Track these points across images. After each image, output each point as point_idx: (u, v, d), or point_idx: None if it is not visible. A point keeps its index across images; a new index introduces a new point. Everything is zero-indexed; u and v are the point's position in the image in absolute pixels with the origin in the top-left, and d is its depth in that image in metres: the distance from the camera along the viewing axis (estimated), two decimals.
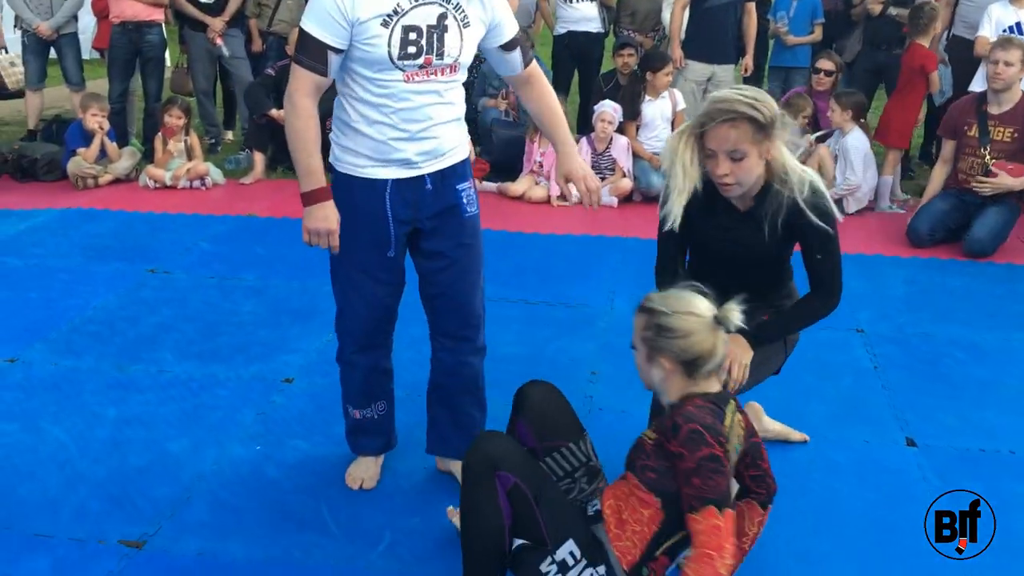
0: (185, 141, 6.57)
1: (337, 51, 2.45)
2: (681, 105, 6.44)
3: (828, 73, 6.48)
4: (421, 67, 2.48)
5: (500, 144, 6.71)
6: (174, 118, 6.53)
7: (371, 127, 2.54)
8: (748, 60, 6.86)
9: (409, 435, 3.23)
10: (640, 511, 2.28)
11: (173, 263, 4.94)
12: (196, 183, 6.41)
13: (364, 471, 3.02)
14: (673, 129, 6.17)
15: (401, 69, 2.47)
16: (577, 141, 6.37)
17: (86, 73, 7.70)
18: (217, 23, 7.16)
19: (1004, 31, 5.84)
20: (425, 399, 3.06)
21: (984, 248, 5.19)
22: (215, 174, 6.52)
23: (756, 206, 2.72)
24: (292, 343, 4.01)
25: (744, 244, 2.77)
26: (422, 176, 2.63)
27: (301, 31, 2.47)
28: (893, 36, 6.62)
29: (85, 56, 8.06)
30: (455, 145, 2.67)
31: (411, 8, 2.44)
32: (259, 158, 6.74)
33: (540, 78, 2.81)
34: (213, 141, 7.62)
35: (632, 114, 6.46)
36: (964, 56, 6.02)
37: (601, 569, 2.27)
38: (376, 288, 2.76)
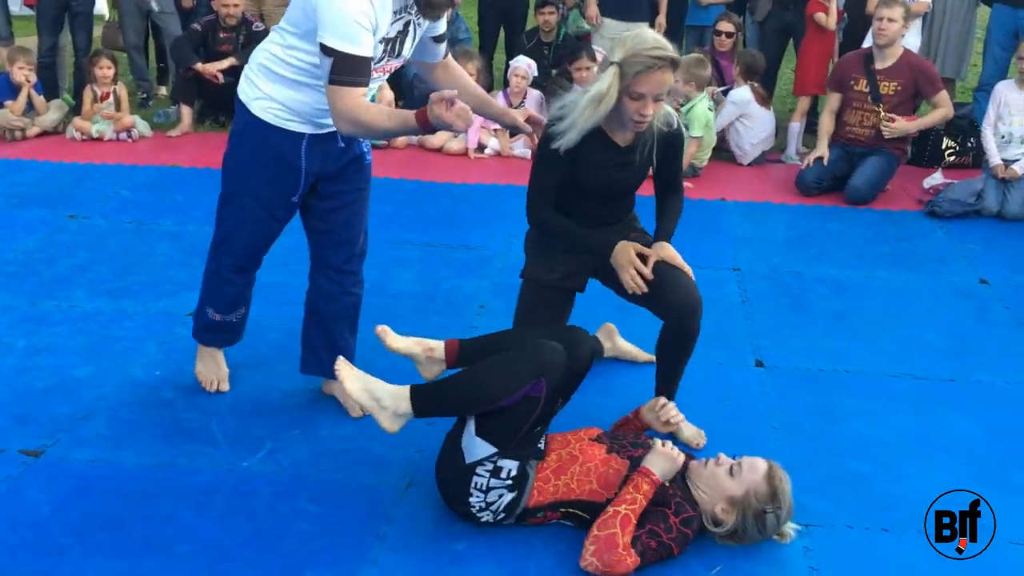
0: (114, 91, 6.72)
1: (372, 60, 2.56)
2: None
3: (728, 35, 6.78)
4: (380, 68, 2.69)
5: (421, 98, 6.80)
6: (103, 69, 6.67)
7: (308, 97, 2.71)
8: (661, 18, 7.12)
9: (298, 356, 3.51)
10: (582, 479, 2.58)
11: (93, 210, 5.14)
12: (123, 135, 6.57)
13: (215, 371, 3.31)
14: None
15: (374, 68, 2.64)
16: (494, 96, 6.63)
17: (18, 29, 7.78)
18: None
19: None
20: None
21: (863, 196, 5.54)
22: (141, 126, 6.68)
23: (636, 139, 2.92)
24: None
25: (619, 176, 2.98)
26: (334, 132, 2.80)
27: (338, 54, 2.47)
28: None
29: (16, 11, 8.12)
30: None
31: (392, 22, 2.61)
32: (186, 111, 6.90)
33: (455, 64, 3.06)
34: (144, 96, 7.75)
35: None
36: (858, 14, 6.33)
37: (514, 495, 2.57)
38: (271, 224, 3.01)
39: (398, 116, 2.55)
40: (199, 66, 6.73)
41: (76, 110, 6.88)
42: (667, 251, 3.04)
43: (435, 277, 4.48)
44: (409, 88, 6.99)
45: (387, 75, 2.85)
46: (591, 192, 3.02)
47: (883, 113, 5.58)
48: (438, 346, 2.86)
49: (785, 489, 2.56)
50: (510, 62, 6.79)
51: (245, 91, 2.83)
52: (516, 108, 6.55)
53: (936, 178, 5.83)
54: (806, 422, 3.29)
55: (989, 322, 4.12)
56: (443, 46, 2.95)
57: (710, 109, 6.07)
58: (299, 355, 3.48)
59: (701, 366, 3.64)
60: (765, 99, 6.42)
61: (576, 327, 2.89)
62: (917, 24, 6.34)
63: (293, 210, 3.01)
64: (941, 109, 5.63)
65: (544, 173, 2.97)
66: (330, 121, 2.70)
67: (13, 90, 6.57)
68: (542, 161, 2.94)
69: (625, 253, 2.95)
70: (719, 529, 2.56)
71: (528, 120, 2.99)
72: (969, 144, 6.33)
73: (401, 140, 6.61)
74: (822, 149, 5.74)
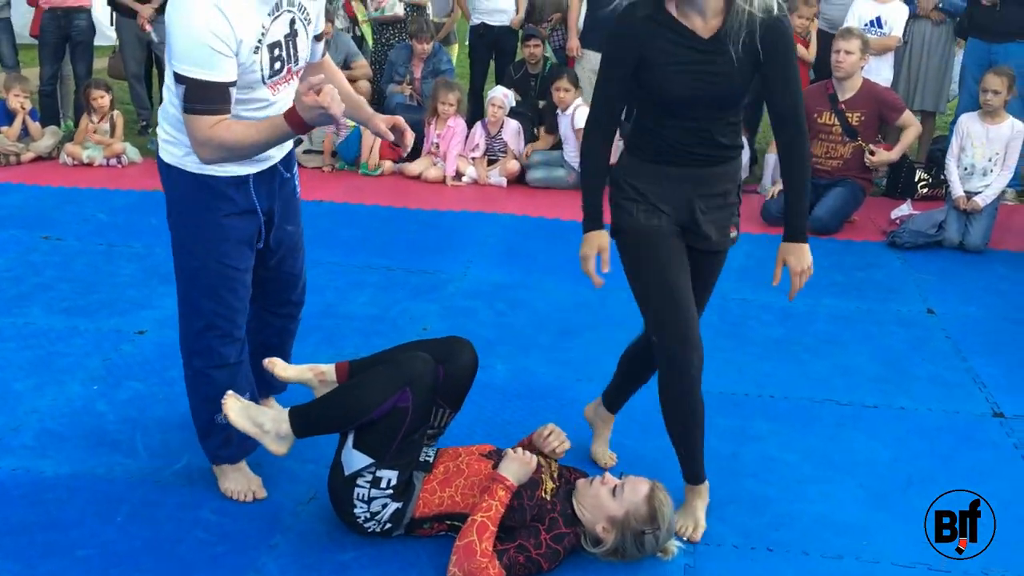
0: (111, 117, 6.94)
1: (234, 84, 2.36)
2: (581, 123, 6.54)
3: None
4: (282, 77, 2.55)
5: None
6: (98, 98, 6.90)
7: None
8: None
9: None
10: (466, 493, 2.65)
11: (68, 231, 5.31)
12: (112, 161, 6.78)
13: (246, 483, 2.91)
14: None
15: (265, 84, 2.49)
16: (471, 125, 6.77)
17: (25, 58, 8.07)
18: (146, 10, 7.52)
19: (865, 25, 6.22)
20: None
21: (826, 226, 5.59)
22: (131, 152, 6.88)
23: (723, 26, 2.44)
24: (155, 301, 4.40)
25: (709, 79, 2.46)
26: (275, 166, 2.72)
27: (189, 81, 2.31)
28: None
29: (23, 41, 8.41)
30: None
31: (271, 24, 2.43)
32: None
33: (330, 63, 2.97)
34: (144, 123, 7.98)
35: (549, 128, 6.82)
36: (825, 47, 6.38)
37: (399, 505, 2.65)
38: (245, 277, 2.76)
39: (267, 125, 2.35)
40: None
41: (70, 136, 7.10)
42: (795, 261, 2.75)
43: (387, 300, 4.59)
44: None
45: (294, 82, 2.61)
46: (668, 106, 2.52)
47: (868, 145, 5.64)
48: (329, 369, 2.92)
49: (665, 512, 2.61)
50: (488, 92, 6.93)
51: (170, 152, 2.61)
52: (495, 137, 6.72)
53: (903, 209, 5.86)
54: (720, 445, 3.33)
55: (927, 351, 4.14)
56: (321, 45, 2.76)
57: None
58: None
59: None
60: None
61: (457, 338, 2.92)
62: (889, 58, 6.40)
63: (251, 259, 2.78)
64: (911, 128, 5.70)
65: (604, 77, 2.57)
66: (273, 152, 2.61)
67: (10, 116, 6.82)
68: (604, 60, 2.57)
69: (590, 243, 2.73)
70: (599, 548, 2.62)
71: (392, 128, 2.75)
72: (942, 177, 6.34)
73: (387, 166, 6.76)
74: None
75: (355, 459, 2.64)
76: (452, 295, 4.66)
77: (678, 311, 2.65)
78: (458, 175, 6.66)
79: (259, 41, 2.41)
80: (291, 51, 2.53)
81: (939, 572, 2.63)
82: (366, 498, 2.65)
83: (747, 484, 3.09)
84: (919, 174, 6.42)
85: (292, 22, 2.52)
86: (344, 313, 4.41)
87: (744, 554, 2.73)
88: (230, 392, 2.75)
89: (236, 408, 2.72)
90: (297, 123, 2.30)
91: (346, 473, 2.66)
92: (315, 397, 2.91)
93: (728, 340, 4.20)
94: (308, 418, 2.69)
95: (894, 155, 5.75)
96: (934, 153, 6.62)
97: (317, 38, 2.72)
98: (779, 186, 5.84)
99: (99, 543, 2.68)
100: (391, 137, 2.76)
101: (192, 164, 2.56)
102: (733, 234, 2.81)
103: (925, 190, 6.38)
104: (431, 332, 4.20)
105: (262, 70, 2.45)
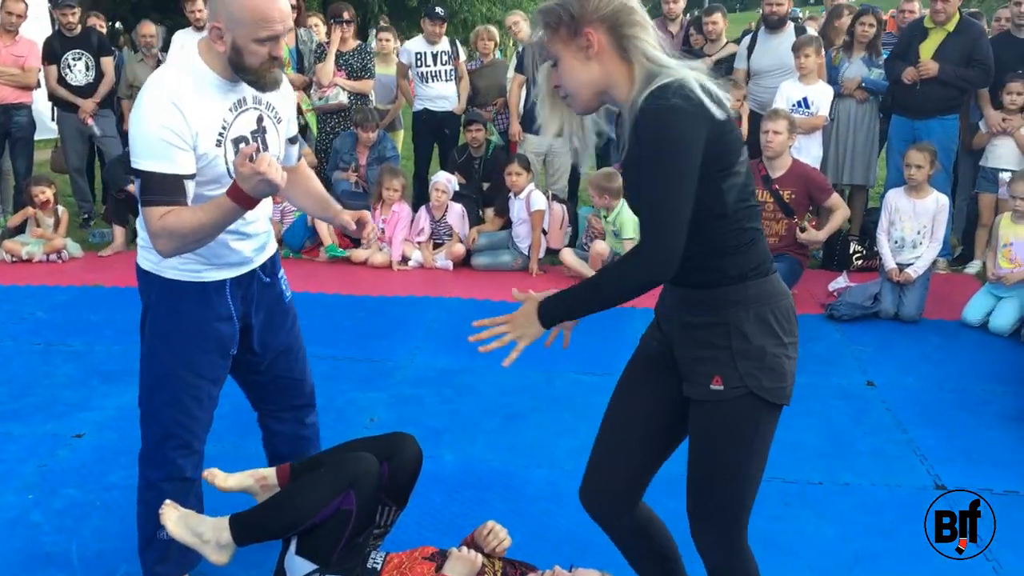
0: (55, 211, 6.89)
1: (192, 177, 2.37)
2: (536, 206, 6.58)
3: None
4: None
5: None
6: (39, 194, 6.85)
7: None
8: None
9: None
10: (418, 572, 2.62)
11: (4, 332, 5.22)
12: (52, 256, 6.70)
13: None
14: (531, 228, 6.58)
15: (220, 184, 2.43)
16: (416, 210, 6.83)
17: None
18: (88, 104, 7.55)
19: (793, 106, 6.44)
20: None
21: None
22: (72, 248, 6.82)
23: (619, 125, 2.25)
24: (95, 401, 4.32)
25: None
26: (254, 271, 2.69)
27: (144, 174, 2.32)
28: None
29: None
30: (270, 237, 2.77)
31: (234, 119, 2.46)
32: (119, 231, 7.06)
33: (305, 167, 2.96)
34: (87, 216, 7.93)
35: (498, 210, 6.92)
36: (755, 128, 6.59)
37: None
38: (212, 389, 2.73)
39: (211, 205, 2.33)
40: (131, 188, 6.91)
41: (8, 233, 7.02)
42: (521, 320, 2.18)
43: (333, 390, 4.55)
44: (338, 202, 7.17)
45: None
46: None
47: (801, 222, 5.78)
48: (270, 474, 2.88)
49: None
50: (432, 177, 7.02)
51: (146, 259, 2.61)
52: (439, 221, 6.76)
53: (840, 281, 6.00)
54: (669, 528, 3.32)
55: (868, 424, 4.21)
56: (295, 148, 2.82)
57: None
58: None
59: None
60: None
61: (400, 433, 2.89)
62: (817, 136, 6.62)
63: (229, 366, 2.76)
64: (838, 212, 5.84)
65: (680, 173, 1.95)
66: (247, 250, 2.62)
67: None
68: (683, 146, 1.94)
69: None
70: None
71: (357, 221, 2.79)
72: (876, 249, 6.52)
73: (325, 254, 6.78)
74: None
75: (298, 566, 2.60)
76: (399, 383, 4.64)
77: (598, 446, 2.41)
78: (404, 259, 6.70)
79: (220, 135, 2.44)
80: (260, 147, 2.54)
81: None
82: None
83: (696, 570, 3.07)
84: (853, 246, 6.60)
85: (260, 119, 2.55)
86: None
87: None
88: (168, 501, 2.69)
89: (174, 517, 2.67)
90: (240, 196, 2.27)
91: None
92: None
93: None
94: (249, 525, 2.64)
95: (822, 236, 5.83)
96: (867, 225, 6.82)
97: (291, 141, 2.75)
98: None
99: None
100: (354, 229, 2.78)
101: (168, 270, 2.57)
102: (716, 387, 2.16)
103: (860, 262, 6.55)
104: (379, 422, 4.17)
105: (227, 164, 2.45)
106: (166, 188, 2.33)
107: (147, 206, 2.35)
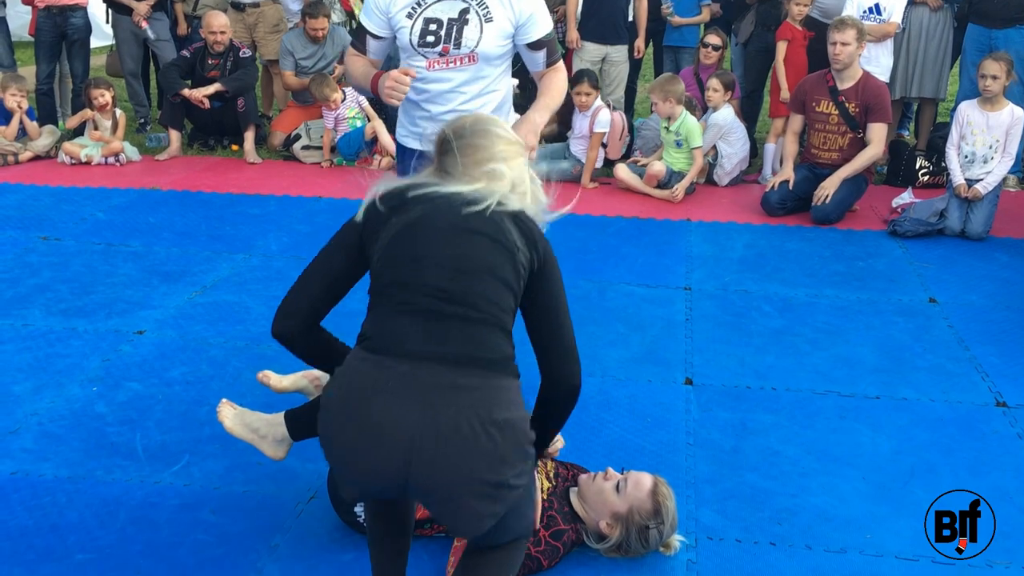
0: (114, 114, 6.93)
1: (375, 37, 2.98)
2: (600, 127, 6.40)
3: (715, 48, 6.82)
4: (440, 55, 2.86)
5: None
6: (99, 97, 6.88)
7: (408, 103, 3.02)
8: (640, 42, 7.20)
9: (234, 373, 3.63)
10: None
11: (66, 231, 5.30)
12: (111, 159, 6.76)
13: None
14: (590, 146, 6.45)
15: (423, 56, 2.88)
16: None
17: (22, 57, 8.03)
18: (142, 7, 7.48)
19: (863, 12, 6.18)
20: None
21: (828, 216, 5.56)
22: (129, 151, 6.86)
23: None
24: (155, 300, 4.39)
25: None
26: None
27: (359, 25, 3.06)
28: (782, 18, 6.96)
29: (19, 40, 8.40)
30: None
31: (433, 2, 2.85)
32: (175, 136, 7.08)
33: (557, 70, 3.04)
34: (143, 120, 7.96)
35: (561, 119, 6.79)
36: (820, 37, 6.34)
37: None
38: None
39: (365, 72, 3.02)
40: (186, 92, 6.92)
41: (68, 135, 7.08)
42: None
43: None
44: (392, 113, 7.10)
45: (459, 70, 2.90)
46: None
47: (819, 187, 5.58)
48: (323, 374, 2.91)
49: (669, 505, 2.60)
50: None
51: (397, 132, 3.26)
52: None
53: (904, 197, 5.84)
54: (721, 439, 3.32)
55: (929, 340, 4.12)
56: (540, 55, 2.98)
57: None
58: (236, 371, 3.63)
59: (631, 384, 3.70)
60: (741, 115, 6.50)
61: None
62: (888, 44, 6.35)
63: None
64: (870, 148, 5.57)
65: None
66: (431, 131, 2.84)
67: (7, 116, 6.80)
68: None
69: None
70: (603, 544, 2.60)
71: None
72: (943, 164, 6.31)
73: (385, 162, 6.74)
74: (787, 171, 5.77)
75: None
76: None
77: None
78: None
79: (413, 10, 2.88)
80: (452, 34, 2.85)
81: (943, 565, 2.61)
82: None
83: (749, 478, 3.08)
84: (920, 161, 6.39)
85: (464, 11, 2.86)
86: (345, 310, 4.33)
87: (747, 548, 2.71)
88: (224, 400, 2.75)
89: (231, 415, 2.71)
90: (372, 86, 2.91)
91: None
92: None
93: (729, 332, 4.18)
94: (303, 420, 2.67)
95: (838, 180, 5.54)
96: (935, 140, 6.59)
97: (532, 47, 2.98)
98: (780, 176, 5.81)
99: (98, 547, 2.67)
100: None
101: (398, 137, 3.21)
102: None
103: (926, 177, 6.35)
104: None
105: (411, 35, 2.89)
106: (358, 36, 3.08)
107: (352, 46, 3.12)
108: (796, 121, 5.85)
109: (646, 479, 2.63)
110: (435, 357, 1.95)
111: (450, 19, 2.82)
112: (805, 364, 3.88)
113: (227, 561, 2.62)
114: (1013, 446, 3.27)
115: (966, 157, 5.50)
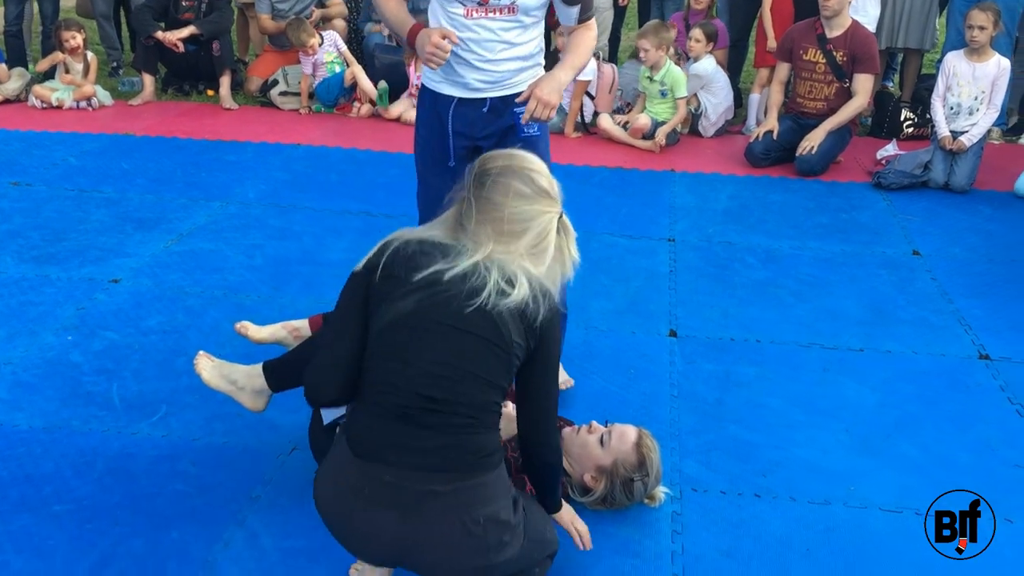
0: (85, 57, 6.74)
1: None
2: (584, 76, 6.17)
3: None
4: (480, 4, 2.73)
5: (383, 69, 6.91)
6: (70, 39, 6.68)
7: (450, 58, 2.78)
8: None
9: (212, 323, 3.56)
10: None
11: (37, 177, 5.17)
12: (83, 103, 6.59)
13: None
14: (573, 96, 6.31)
15: (461, 3, 2.73)
16: None
17: None
18: None
19: None
20: None
21: (812, 167, 5.52)
22: (102, 95, 6.69)
23: None
24: (130, 248, 4.30)
25: None
26: (483, 99, 2.86)
27: None
28: None
29: None
30: (518, 79, 2.87)
31: None
32: (148, 80, 6.91)
33: (589, 28, 2.93)
34: (115, 64, 7.76)
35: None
36: None
37: None
38: (443, 186, 2.71)
39: (401, 17, 2.86)
40: (159, 34, 6.73)
41: (38, 79, 6.90)
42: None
43: (367, 246, 4.42)
44: (370, 58, 6.97)
45: (498, 20, 2.76)
46: None
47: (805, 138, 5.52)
48: (303, 325, 2.85)
49: (653, 458, 2.58)
50: None
51: (424, 75, 3.05)
52: None
53: (889, 149, 5.80)
54: (705, 391, 3.30)
55: (912, 293, 4.11)
56: (574, 10, 2.86)
57: None
58: (214, 321, 3.57)
59: (614, 335, 3.67)
60: (724, 65, 6.42)
61: None
62: None
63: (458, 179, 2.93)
64: (856, 99, 5.51)
65: None
66: (469, 79, 2.83)
67: None
68: None
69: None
70: (587, 497, 2.59)
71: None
72: (928, 115, 6.27)
73: (365, 109, 6.62)
74: (771, 121, 5.71)
75: (332, 407, 2.58)
76: None
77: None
78: None
79: None
80: None
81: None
82: None
83: (733, 430, 3.07)
84: (905, 113, 6.35)
85: None
86: (322, 260, 4.33)
87: (731, 500, 2.71)
88: (201, 352, 2.69)
89: (208, 367, 2.66)
90: (410, 39, 2.78)
91: (326, 422, 2.60)
92: None
93: (713, 283, 4.15)
94: (282, 371, 2.63)
95: (824, 132, 5.48)
96: (920, 91, 6.53)
97: (567, 1, 2.83)
98: (764, 126, 5.75)
99: (75, 498, 2.63)
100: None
101: (426, 81, 2.96)
102: None
103: (911, 129, 6.31)
104: None
105: None
106: None
107: None
108: (783, 69, 5.78)
109: (630, 432, 2.61)
110: (415, 466, 1.98)
111: None
112: (789, 316, 3.86)
113: (207, 511, 2.59)
114: (996, 399, 3.28)
115: (952, 109, 5.46)
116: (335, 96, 6.70)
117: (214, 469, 2.77)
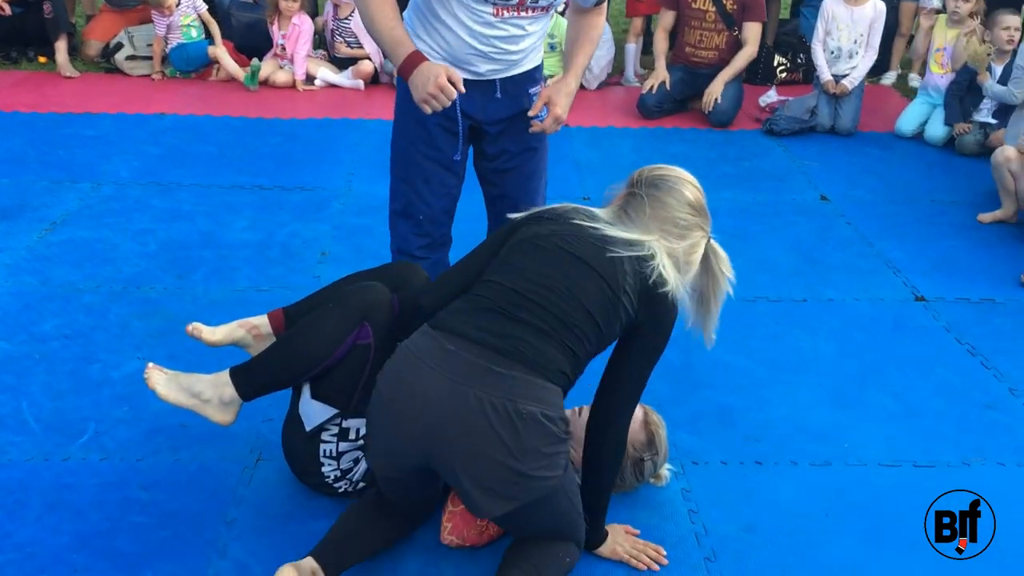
0: None
1: None
2: None
3: None
4: (514, 5, 2.45)
5: (240, 28, 6.41)
6: None
7: (454, 38, 2.51)
8: None
9: (128, 326, 3.17)
10: None
11: None
12: None
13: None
14: None
15: (492, 4, 2.44)
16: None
17: None
18: None
19: None
20: None
21: (729, 117, 5.51)
22: None
23: None
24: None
25: None
26: (492, 82, 2.60)
27: None
28: None
29: None
30: (526, 60, 2.64)
31: None
32: None
33: (600, 14, 2.74)
34: None
35: None
36: None
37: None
38: (444, 176, 2.71)
39: (396, 36, 2.44)
40: None
41: None
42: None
43: (271, 223, 4.15)
44: (226, 17, 6.43)
45: (528, 19, 2.51)
46: None
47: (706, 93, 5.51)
48: (261, 322, 2.52)
49: (661, 435, 2.47)
50: None
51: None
52: (344, 20, 6.12)
53: (771, 96, 5.88)
54: (670, 355, 3.17)
55: (833, 238, 4.17)
56: None
57: None
58: (121, 320, 3.18)
59: None
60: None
61: (404, 263, 2.63)
62: None
63: (462, 161, 2.71)
64: (748, 47, 5.53)
65: None
66: (482, 68, 2.56)
67: None
68: None
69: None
70: None
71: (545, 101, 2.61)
72: (799, 60, 6.41)
73: (224, 72, 6.12)
74: (661, 72, 5.65)
75: (316, 411, 2.33)
76: (341, 213, 4.27)
77: None
78: (309, 79, 6.12)
79: None
80: None
81: (924, 468, 2.64)
82: (334, 454, 2.35)
83: (708, 395, 2.99)
84: (778, 58, 6.45)
85: None
86: (225, 241, 3.96)
87: (734, 470, 2.63)
88: (151, 364, 2.36)
89: (163, 381, 2.33)
90: (405, 69, 2.40)
91: (308, 428, 2.34)
92: (252, 355, 2.52)
93: None
94: (255, 376, 2.33)
95: (722, 84, 5.47)
96: (784, 37, 6.65)
97: None
98: (654, 78, 5.67)
99: (15, 544, 2.25)
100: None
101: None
102: None
103: (784, 74, 6.42)
104: (332, 258, 3.83)
105: None
106: None
107: None
108: (668, 17, 5.71)
109: (636, 410, 2.47)
110: (484, 343, 1.99)
111: None
112: None
113: (179, 545, 2.27)
114: (944, 340, 3.35)
115: (832, 53, 5.57)
116: (194, 67, 6.16)
117: (172, 493, 2.45)
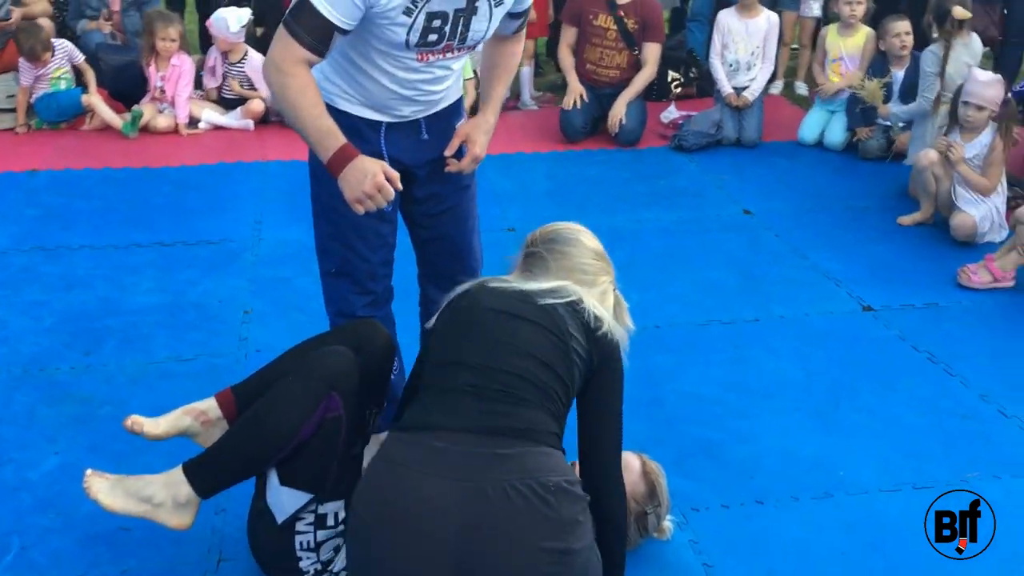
0: None
1: (343, 32, 2.15)
2: None
3: None
4: (440, 50, 2.27)
5: (112, 72, 5.97)
6: None
7: (374, 85, 2.32)
8: None
9: (35, 415, 2.80)
10: None
11: None
12: None
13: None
14: None
15: (418, 50, 2.25)
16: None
17: None
18: None
19: None
20: None
21: (637, 135, 5.44)
22: None
23: None
24: None
25: None
26: (417, 122, 2.43)
27: (308, 3, 2.09)
28: None
29: None
30: (446, 96, 2.47)
31: None
32: None
33: (519, 41, 2.58)
34: None
35: None
36: None
37: None
38: (379, 226, 2.48)
39: (323, 126, 2.16)
40: None
41: None
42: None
43: (178, 282, 3.81)
44: (94, 61, 5.97)
45: (454, 59, 2.33)
46: None
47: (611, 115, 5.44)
48: (209, 406, 2.23)
49: (662, 484, 2.32)
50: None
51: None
52: (235, 65, 5.80)
53: (672, 112, 5.86)
54: (634, 389, 3.00)
55: (765, 252, 4.13)
56: (517, 22, 2.47)
57: None
58: (27, 408, 2.83)
59: None
60: None
61: (362, 320, 2.40)
62: None
63: (394, 208, 2.48)
64: (647, 68, 5.50)
65: None
66: (405, 111, 2.38)
67: None
68: None
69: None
70: None
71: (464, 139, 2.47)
72: (692, 74, 6.44)
73: (98, 120, 5.67)
74: (576, 86, 5.51)
75: (287, 499, 2.07)
76: (255, 265, 3.97)
77: None
78: (193, 122, 5.75)
79: (415, 4, 2.13)
80: (458, 28, 2.23)
81: (924, 489, 2.56)
82: (312, 545, 2.10)
83: (688, 430, 2.86)
84: (671, 74, 6.45)
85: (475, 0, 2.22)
86: (131, 307, 3.61)
87: (737, 513, 2.50)
88: (88, 471, 2.06)
89: (105, 488, 2.04)
90: (335, 164, 2.15)
91: (280, 520, 2.08)
92: (203, 446, 2.22)
93: None
94: (213, 470, 2.06)
95: (624, 104, 5.41)
96: (672, 53, 6.66)
97: (514, 15, 2.43)
98: (573, 94, 5.48)
99: None
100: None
101: (336, 102, 2.35)
102: None
103: (679, 89, 6.43)
104: (256, 315, 3.54)
105: (409, 35, 2.18)
106: (314, 29, 2.11)
107: (288, 33, 2.13)
108: (570, 34, 5.61)
109: (632, 459, 2.32)
110: (473, 429, 1.86)
111: (457, 10, 2.19)
112: (669, 294, 3.73)
113: None
114: (901, 349, 3.33)
115: (731, 66, 5.59)
116: (65, 118, 5.69)
117: None
